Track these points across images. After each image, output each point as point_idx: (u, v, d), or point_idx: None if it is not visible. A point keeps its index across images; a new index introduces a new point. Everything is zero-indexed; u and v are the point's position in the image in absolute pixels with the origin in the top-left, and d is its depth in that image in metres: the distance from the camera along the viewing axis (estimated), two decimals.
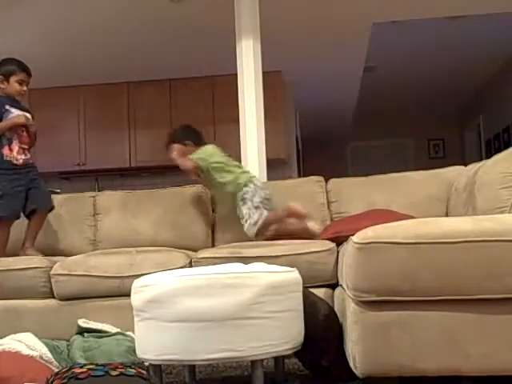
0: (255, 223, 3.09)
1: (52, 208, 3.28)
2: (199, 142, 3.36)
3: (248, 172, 3.34)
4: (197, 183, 3.51)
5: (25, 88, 3.21)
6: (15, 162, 3.11)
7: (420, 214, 2.71)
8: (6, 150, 3.10)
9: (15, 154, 3.12)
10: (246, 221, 3.11)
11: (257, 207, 3.12)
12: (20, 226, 3.17)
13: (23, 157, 3.16)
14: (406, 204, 3.07)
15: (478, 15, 5.23)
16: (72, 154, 6.52)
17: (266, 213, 3.11)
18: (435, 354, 1.67)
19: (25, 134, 3.19)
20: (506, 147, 2.45)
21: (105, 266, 2.78)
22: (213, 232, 3.36)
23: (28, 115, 3.21)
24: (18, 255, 3.11)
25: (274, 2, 4.59)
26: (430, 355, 1.67)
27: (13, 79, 3.15)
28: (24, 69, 3.20)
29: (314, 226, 3.04)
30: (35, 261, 2.92)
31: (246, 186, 3.17)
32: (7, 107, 3.13)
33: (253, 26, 4.09)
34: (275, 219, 3.13)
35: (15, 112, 3.15)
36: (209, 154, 3.27)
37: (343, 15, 5.05)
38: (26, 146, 3.19)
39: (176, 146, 3.36)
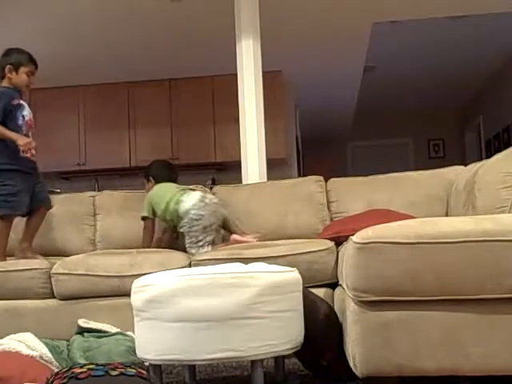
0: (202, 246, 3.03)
1: (51, 207, 3.28)
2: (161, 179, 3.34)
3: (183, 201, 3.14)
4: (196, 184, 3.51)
5: (32, 80, 3.13)
6: (32, 158, 3.01)
7: (420, 214, 2.71)
8: None
9: (32, 150, 3.02)
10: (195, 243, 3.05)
11: (198, 239, 3.04)
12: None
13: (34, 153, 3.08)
14: (406, 204, 3.07)
15: (478, 15, 5.23)
16: (72, 154, 6.52)
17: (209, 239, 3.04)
18: (435, 353, 1.67)
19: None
20: (506, 147, 2.45)
21: (105, 266, 2.78)
22: None
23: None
24: (13, 255, 3.10)
25: (274, 2, 4.59)
26: (429, 355, 1.67)
27: (22, 70, 3.07)
28: (33, 60, 3.13)
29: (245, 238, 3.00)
30: (35, 262, 2.92)
31: (181, 218, 3.09)
32: (21, 102, 3.06)
33: (253, 26, 4.08)
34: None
35: (26, 106, 3.08)
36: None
37: (343, 15, 5.05)
38: None
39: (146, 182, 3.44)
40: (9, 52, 3.14)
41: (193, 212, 3.06)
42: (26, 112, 3.09)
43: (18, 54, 3.11)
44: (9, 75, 3.08)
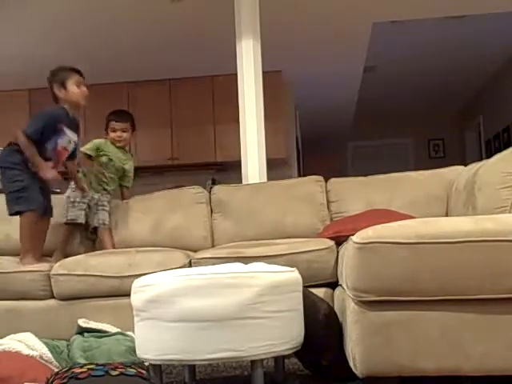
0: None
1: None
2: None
3: None
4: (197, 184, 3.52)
5: (84, 89, 3.07)
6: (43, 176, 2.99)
7: (420, 214, 2.71)
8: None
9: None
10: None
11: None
12: None
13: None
14: (406, 204, 3.07)
15: (478, 15, 5.23)
16: None
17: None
18: (435, 353, 1.67)
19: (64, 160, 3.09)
20: (506, 147, 2.46)
21: (104, 266, 2.78)
22: (212, 232, 3.36)
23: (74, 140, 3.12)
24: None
25: (274, 2, 4.59)
26: (429, 355, 1.68)
27: (69, 84, 3.02)
28: (75, 70, 3.07)
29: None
30: (35, 264, 2.91)
31: None
32: (64, 128, 2.99)
33: (253, 26, 4.08)
34: None
35: (69, 134, 3.03)
36: None
37: (343, 15, 5.05)
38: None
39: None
40: (51, 73, 3.09)
41: None
42: (62, 140, 3.01)
43: (59, 71, 3.07)
44: (59, 94, 3.02)
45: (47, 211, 3.11)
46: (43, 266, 2.89)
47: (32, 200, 2.94)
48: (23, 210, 2.95)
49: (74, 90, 3.04)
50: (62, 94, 3.03)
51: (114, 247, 3.24)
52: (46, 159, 2.98)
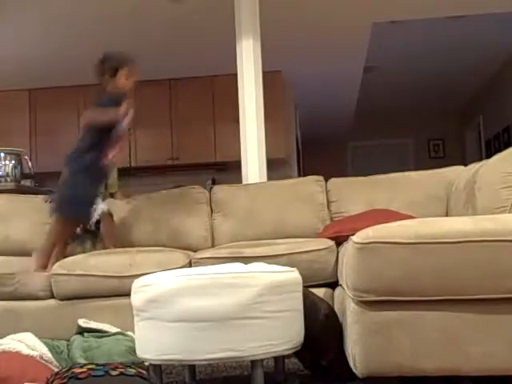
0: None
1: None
2: None
3: None
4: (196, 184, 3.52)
5: (132, 80, 3.04)
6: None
7: (420, 214, 2.71)
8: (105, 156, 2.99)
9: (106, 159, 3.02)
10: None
11: None
12: None
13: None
14: (406, 204, 3.07)
15: (478, 15, 5.23)
16: None
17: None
18: (435, 353, 1.67)
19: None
20: (506, 147, 2.45)
21: (104, 266, 2.78)
22: (212, 232, 3.36)
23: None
24: None
25: (274, 1, 4.59)
26: (430, 355, 1.68)
27: (120, 74, 2.98)
28: (129, 59, 3.02)
29: None
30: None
31: None
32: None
33: (253, 26, 4.08)
34: None
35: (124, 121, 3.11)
36: None
37: (343, 15, 5.04)
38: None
39: None
40: (105, 56, 3.04)
41: None
42: (122, 125, 3.09)
43: (113, 59, 3.03)
44: (107, 81, 3.00)
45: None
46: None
47: (84, 209, 2.98)
48: (74, 217, 2.96)
49: (123, 82, 3.02)
50: (110, 82, 2.99)
51: (115, 246, 3.23)
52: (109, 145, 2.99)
